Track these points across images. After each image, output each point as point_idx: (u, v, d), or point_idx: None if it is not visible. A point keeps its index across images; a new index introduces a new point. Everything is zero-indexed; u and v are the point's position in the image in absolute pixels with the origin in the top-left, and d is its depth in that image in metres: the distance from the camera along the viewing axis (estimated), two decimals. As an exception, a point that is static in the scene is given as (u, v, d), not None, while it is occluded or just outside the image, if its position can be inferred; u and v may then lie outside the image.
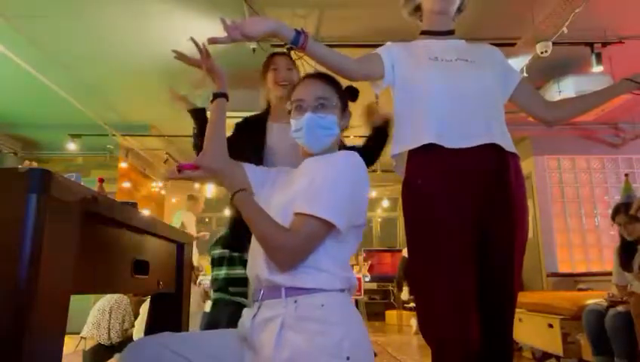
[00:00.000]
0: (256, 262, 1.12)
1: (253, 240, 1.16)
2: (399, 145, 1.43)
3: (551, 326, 3.35)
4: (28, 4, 3.22)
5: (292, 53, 2.23)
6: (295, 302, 1.04)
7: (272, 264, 1.07)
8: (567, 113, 1.53)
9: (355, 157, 1.16)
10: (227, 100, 1.38)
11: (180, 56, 1.39)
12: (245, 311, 1.15)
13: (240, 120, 1.97)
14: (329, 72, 1.31)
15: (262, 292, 1.10)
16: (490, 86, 1.42)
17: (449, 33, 1.51)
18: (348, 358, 0.97)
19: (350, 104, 1.30)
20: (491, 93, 1.42)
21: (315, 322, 1.01)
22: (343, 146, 1.82)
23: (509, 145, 1.37)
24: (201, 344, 1.09)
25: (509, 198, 1.33)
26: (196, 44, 1.35)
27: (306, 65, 2.65)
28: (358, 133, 2.07)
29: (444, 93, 1.37)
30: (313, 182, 1.10)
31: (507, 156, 1.36)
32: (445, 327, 1.24)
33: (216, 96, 1.38)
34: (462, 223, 1.28)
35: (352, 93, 1.31)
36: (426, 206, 1.32)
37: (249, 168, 1.28)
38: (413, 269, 1.41)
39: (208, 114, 1.43)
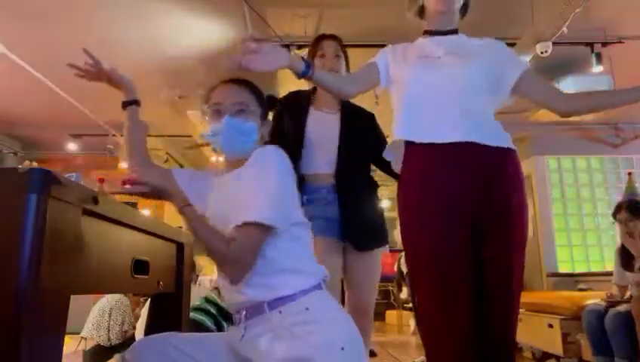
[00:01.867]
0: (232, 290, 1.10)
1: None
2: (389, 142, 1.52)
3: (551, 326, 3.35)
4: (28, 4, 3.22)
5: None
6: (280, 312, 1.04)
7: (248, 288, 1.06)
8: (588, 105, 1.47)
9: (275, 152, 1.13)
10: (138, 106, 1.33)
11: (75, 68, 1.33)
12: (231, 330, 1.15)
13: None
14: (247, 78, 1.28)
15: (244, 313, 1.09)
16: (473, 82, 1.40)
17: (451, 32, 1.50)
18: (343, 348, 1.00)
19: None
20: (473, 89, 1.40)
21: (305, 324, 1.02)
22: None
23: (491, 141, 1.35)
24: (205, 344, 1.09)
25: (500, 196, 1.33)
26: (89, 55, 1.29)
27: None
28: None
29: (420, 90, 1.41)
30: (240, 190, 1.09)
31: (491, 152, 1.34)
32: (436, 315, 1.27)
33: (126, 104, 1.32)
34: (450, 214, 1.30)
35: (270, 102, 1.30)
36: (414, 197, 1.36)
37: (178, 175, 1.25)
38: (407, 260, 1.43)
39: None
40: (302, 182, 1.80)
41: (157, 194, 1.08)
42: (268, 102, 1.28)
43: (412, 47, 1.53)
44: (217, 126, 1.16)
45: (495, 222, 1.32)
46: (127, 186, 1.08)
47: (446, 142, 1.33)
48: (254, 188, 1.07)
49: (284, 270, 1.08)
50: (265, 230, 1.03)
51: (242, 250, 1.02)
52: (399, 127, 1.41)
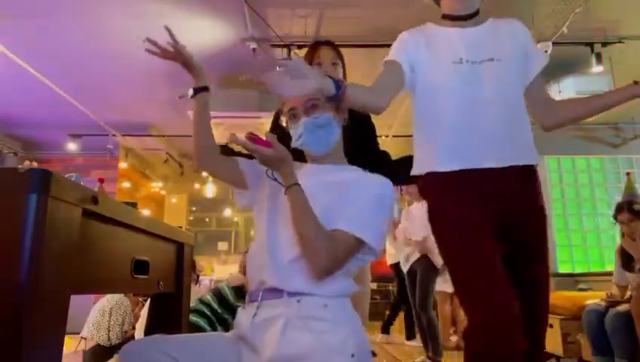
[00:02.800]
0: (263, 268, 1.11)
1: (257, 241, 1.17)
2: (417, 165, 1.38)
3: (551, 326, 3.35)
4: (28, 4, 3.22)
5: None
6: (298, 301, 1.04)
7: (281, 271, 1.07)
8: (565, 117, 1.40)
9: (390, 184, 1.17)
10: (209, 92, 1.33)
11: (152, 46, 1.29)
12: (241, 312, 1.14)
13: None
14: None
15: (261, 293, 1.09)
16: (515, 93, 1.34)
17: (473, 15, 1.39)
18: (353, 355, 0.99)
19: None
20: (515, 101, 1.33)
21: (321, 321, 1.02)
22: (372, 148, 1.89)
23: (533, 157, 1.32)
24: (191, 345, 1.09)
25: (532, 210, 1.31)
26: (171, 35, 1.27)
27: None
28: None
29: (461, 106, 1.30)
30: (355, 200, 1.11)
31: (530, 170, 1.32)
32: (486, 296, 1.17)
33: (197, 91, 1.32)
34: (485, 227, 1.24)
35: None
36: (450, 219, 1.29)
37: (243, 163, 1.28)
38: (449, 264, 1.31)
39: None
40: None
41: (275, 161, 1.08)
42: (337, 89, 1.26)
43: (436, 41, 1.37)
44: (298, 128, 1.20)
45: (525, 234, 1.30)
46: (259, 146, 1.06)
47: (498, 167, 1.27)
48: (371, 210, 1.11)
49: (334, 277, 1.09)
50: (362, 247, 1.09)
51: (341, 253, 1.06)
52: (441, 156, 1.30)
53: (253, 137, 1.07)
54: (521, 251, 1.27)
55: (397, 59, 1.37)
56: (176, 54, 1.29)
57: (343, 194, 1.12)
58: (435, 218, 1.32)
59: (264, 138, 1.07)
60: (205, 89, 1.32)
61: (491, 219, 1.24)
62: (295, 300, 1.04)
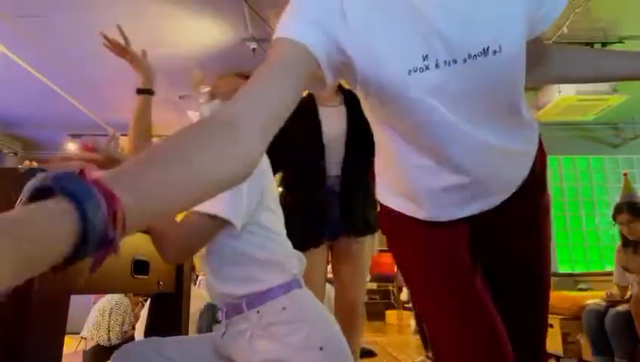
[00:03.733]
0: (212, 286, 1.12)
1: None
2: (383, 195, 0.95)
3: (551, 326, 3.35)
4: (28, 4, 3.22)
5: None
6: (258, 312, 1.05)
7: (226, 282, 1.07)
8: (563, 77, 0.99)
9: None
10: (152, 95, 1.36)
11: (105, 38, 1.37)
12: (215, 328, 1.16)
13: None
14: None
15: (225, 311, 1.11)
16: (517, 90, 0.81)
17: None
18: (321, 348, 1.00)
19: None
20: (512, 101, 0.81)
21: (282, 325, 1.03)
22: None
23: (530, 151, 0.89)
24: (188, 347, 1.10)
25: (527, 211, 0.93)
26: (121, 34, 1.37)
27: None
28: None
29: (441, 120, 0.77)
30: None
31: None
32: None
33: (140, 91, 1.34)
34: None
35: None
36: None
37: None
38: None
39: None
40: (324, 184, 1.81)
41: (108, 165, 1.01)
42: None
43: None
44: (206, 108, 1.22)
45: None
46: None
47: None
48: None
49: (256, 262, 1.07)
50: (215, 221, 1.02)
51: (183, 233, 1.02)
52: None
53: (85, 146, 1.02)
54: (511, 259, 0.94)
55: (299, 38, 0.75)
56: (123, 51, 1.37)
57: None
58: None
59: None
60: (149, 92, 1.36)
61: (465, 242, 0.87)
62: (255, 311, 1.05)
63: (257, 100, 0.57)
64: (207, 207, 1.01)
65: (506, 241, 0.92)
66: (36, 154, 5.99)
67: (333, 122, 1.86)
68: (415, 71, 0.71)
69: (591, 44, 3.59)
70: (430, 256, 0.87)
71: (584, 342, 3.04)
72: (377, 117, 0.85)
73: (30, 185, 0.38)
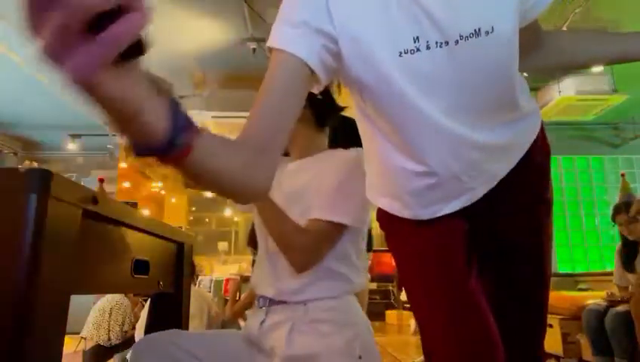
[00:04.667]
0: (264, 276, 1.12)
1: (262, 253, 1.16)
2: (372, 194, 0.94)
3: (551, 326, 3.35)
4: (28, 4, 3.22)
5: None
6: (304, 305, 1.04)
7: (283, 280, 1.07)
8: (558, 63, 0.95)
9: (356, 154, 1.12)
10: None
11: None
12: (250, 316, 1.15)
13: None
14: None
15: (269, 299, 1.10)
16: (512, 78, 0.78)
17: None
18: (360, 357, 1.00)
19: None
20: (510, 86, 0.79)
21: (326, 323, 1.02)
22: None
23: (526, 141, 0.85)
24: (211, 343, 1.10)
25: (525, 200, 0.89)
26: None
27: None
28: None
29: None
30: (323, 184, 1.09)
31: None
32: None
33: None
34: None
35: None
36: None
37: None
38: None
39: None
40: None
41: None
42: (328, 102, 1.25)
43: None
44: None
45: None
46: None
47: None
48: (344, 188, 1.08)
49: (333, 273, 1.07)
50: (342, 230, 1.06)
51: (315, 242, 1.04)
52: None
53: None
54: (508, 251, 0.91)
55: (289, 48, 0.76)
56: None
57: (315, 182, 1.11)
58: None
59: None
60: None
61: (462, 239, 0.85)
62: (302, 304, 1.05)
63: (269, 127, 0.64)
64: (334, 215, 1.04)
65: (506, 238, 0.89)
66: (36, 154, 5.99)
67: None
68: (406, 53, 0.70)
69: (591, 44, 3.59)
70: (421, 255, 0.86)
71: (584, 342, 3.04)
72: (364, 115, 0.84)
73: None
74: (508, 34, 0.72)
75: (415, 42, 0.70)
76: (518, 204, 0.88)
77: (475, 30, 0.69)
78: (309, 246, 1.03)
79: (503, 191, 0.84)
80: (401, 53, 0.70)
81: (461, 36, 0.69)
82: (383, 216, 0.91)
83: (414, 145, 0.77)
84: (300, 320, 1.03)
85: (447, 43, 0.70)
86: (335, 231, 1.05)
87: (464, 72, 0.71)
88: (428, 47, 0.70)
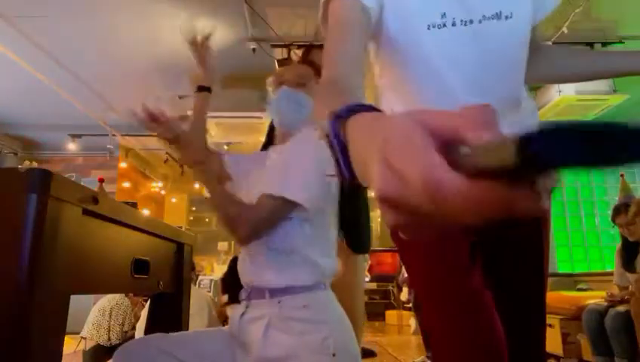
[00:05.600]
0: (245, 267, 1.15)
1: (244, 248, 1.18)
2: None
3: (551, 326, 3.35)
4: (28, 4, 3.22)
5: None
6: (279, 302, 1.06)
7: (259, 267, 1.09)
8: (557, 77, 1.00)
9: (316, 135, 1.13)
10: (210, 93, 1.37)
11: (188, 38, 1.34)
12: (233, 309, 1.18)
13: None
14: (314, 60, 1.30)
15: (249, 292, 1.12)
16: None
17: None
18: (334, 355, 1.00)
19: None
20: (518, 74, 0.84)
21: (299, 322, 1.04)
22: None
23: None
24: (192, 344, 1.10)
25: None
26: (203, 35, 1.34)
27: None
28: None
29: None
30: (279, 162, 1.13)
31: None
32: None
33: (201, 88, 1.36)
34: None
35: None
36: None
37: (227, 158, 1.31)
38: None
39: None
40: None
41: (181, 141, 1.13)
42: None
43: None
44: (275, 95, 1.23)
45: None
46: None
47: None
48: (290, 163, 1.10)
49: (300, 257, 1.09)
50: (292, 206, 1.06)
51: (261, 214, 1.06)
52: None
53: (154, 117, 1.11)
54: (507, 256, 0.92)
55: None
56: (199, 50, 1.33)
57: (278, 161, 1.16)
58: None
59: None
60: (208, 89, 1.36)
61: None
62: (276, 301, 1.06)
63: (352, 62, 0.62)
64: (282, 190, 1.05)
65: (506, 237, 0.89)
66: (36, 154, 5.99)
67: None
68: (433, 27, 0.73)
69: (591, 44, 3.58)
70: (428, 254, 0.87)
71: (584, 342, 3.04)
72: (384, 84, 0.86)
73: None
74: (524, 23, 0.76)
75: (442, 17, 0.73)
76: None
77: (496, 13, 0.73)
78: (251, 219, 1.05)
79: None
80: (429, 26, 0.73)
81: (484, 16, 0.73)
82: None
83: None
84: (276, 317, 1.05)
85: (471, 22, 0.73)
86: (281, 205, 1.06)
87: (484, 52, 0.75)
88: (454, 24, 0.73)
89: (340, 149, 0.37)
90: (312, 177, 1.09)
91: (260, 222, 1.06)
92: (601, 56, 0.94)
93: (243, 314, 1.11)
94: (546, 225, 0.95)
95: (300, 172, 1.09)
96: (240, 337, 1.09)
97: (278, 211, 1.07)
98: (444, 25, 0.73)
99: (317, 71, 1.27)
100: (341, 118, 0.36)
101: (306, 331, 1.02)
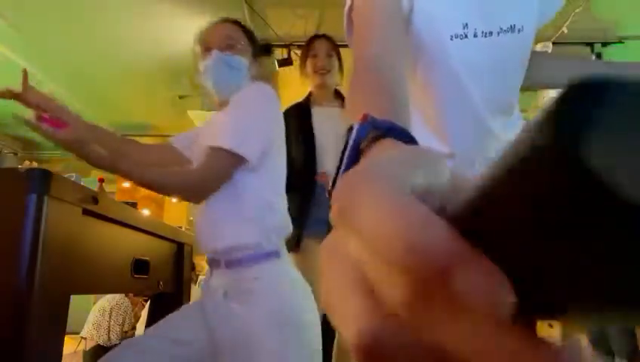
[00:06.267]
0: (202, 238, 1.12)
1: (199, 215, 1.15)
2: None
3: (551, 326, 3.35)
4: (28, 4, 3.22)
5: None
6: (232, 274, 1.06)
7: (209, 231, 1.08)
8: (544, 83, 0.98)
9: (260, 87, 1.12)
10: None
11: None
12: (206, 272, 1.19)
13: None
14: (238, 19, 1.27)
15: (211, 258, 1.12)
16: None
17: None
18: (287, 325, 1.00)
19: None
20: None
21: (251, 294, 1.04)
22: None
23: None
24: (173, 319, 1.10)
25: None
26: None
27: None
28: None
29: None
30: (227, 115, 1.09)
31: None
32: None
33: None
34: None
35: (265, 49, 1.30)
36: None
37: (177, 141, 1.26)
38: None
39: None
40: (314, 183, 1.80)
41: (75, 144, 0.93)
42: (262, 48, 1.28)
43: None
44: (207, 62, 1.16)
45: None
46: (48, 126, 0.97)
47: None
48: (229, 116, 1.07)
49: (250, 214, 1.06)
50: (232, 158, 1.02)
51: (205, 174, 1.02)
52: None
53: (46, 119, 1.00)
54: None
55: None
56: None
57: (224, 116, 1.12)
58: None
59: (58, 120, 1.01)
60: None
61: None
62: (230, 272, 1.06)
63: (388, 46, 0.59)
64: (226, 142, 1.01)
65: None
66: (36, 154, 5.99)
67: (326, 121, 1.85)
68: (456, 37, 0.75)
69: (591, 44, 3.59)
70: None
71: (584, 342, 3.05)
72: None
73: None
74: (531, 35, 0.79)
75: (464, 28, 0.75)
76: None
77: (511, 26, 0.76)
78: (196, 179, 1.02)
79: None
80: (452, 37, 0.75)
81: (501, 29, 0.76)
82: None
83: (448, 126, 0.80)
84: (230, 287, 1.05)
85: (490, 34, 0.76)
86: (220, 156, 1.02)
87: (498, 62, 0.77)
88: (475, 35, 0.75)
89: (349, 162, 0.31)
90: (250, 128, 1.05)
91: (209, 181, 1.03)
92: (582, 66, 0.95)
93: (208, 280, 1.13)
94: None
95: (240, 123, 1.05)
96: (205, 305, 1.10)
97: (222, 165, 1.03)
98: (466, 35, 0.75)
99: (247, 31, 1.26)
100: (362, 138, 0.31)
101: (258, 303, 1.02)
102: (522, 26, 0.77)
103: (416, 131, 0.78)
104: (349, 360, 1.80)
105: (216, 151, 1.02)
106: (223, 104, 1.17)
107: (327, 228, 1.77)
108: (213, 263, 1.11)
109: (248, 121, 1.07)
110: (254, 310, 1.02)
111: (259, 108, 1.09)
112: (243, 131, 1.04)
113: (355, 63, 0.57)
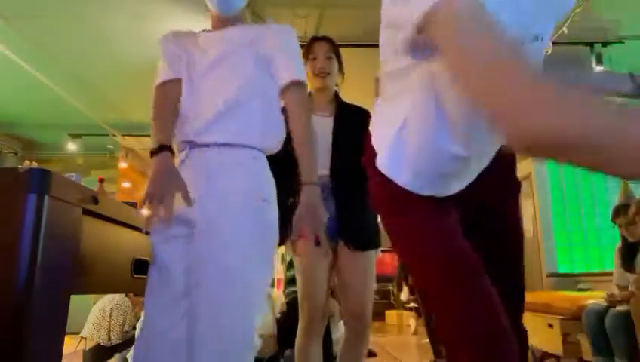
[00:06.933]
0: (190, 121, 1.24)
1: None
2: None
3: (551, 326, 3.35)
4: (28, 4, 3.22)
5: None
6: (217, 151, 1.18)
7: (209, 125, 1.20)
8: None
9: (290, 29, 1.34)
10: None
11: None
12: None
13: None
14: None
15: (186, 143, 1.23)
16: None
17: None
18: (264, 200, 1.16)
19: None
20: None
21: (234, 167, 1.16)
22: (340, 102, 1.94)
23: None
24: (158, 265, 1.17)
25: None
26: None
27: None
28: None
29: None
30: (282, 50, 1.28)
31: None
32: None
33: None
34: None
35: None
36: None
37: (166, 46, 1.36)
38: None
39: None
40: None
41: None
42: None
43: None
44: None
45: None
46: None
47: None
48: (296, 54, 1.31)
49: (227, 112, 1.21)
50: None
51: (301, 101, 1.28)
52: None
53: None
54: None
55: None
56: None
57: (274, 45, 1.29)
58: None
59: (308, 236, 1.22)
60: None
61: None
62: (210, 147, 1.18)
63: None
64: (299, 76, 1.31)
65: (489, 209, 1.03)
66: (36, 154, 5.99)
67: (316, 129, 1.84)
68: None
69: (591, 44, 3.59)
70: (429, 222, 0.95)
71: (584, 342, 3.04)
72: (434, 93, 0.88)
73: None
74: (546, 44, 0.88)
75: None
76: (497, 183, 1.04)
77: (535, 35, 0.84)
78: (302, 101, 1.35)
79: (484, 174, 0.99)
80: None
81: (529, 38, 0.83)
82: (385, 187, 0.99)
83: (473, 131, 0.86)
84: (213, 160, 1.16)
85: (522, 43, 0.82)
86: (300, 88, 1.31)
87: None
88: (522, 44, 0.82)
89: None
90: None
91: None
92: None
93: (182, 161, 1.23)
94: (519, 188, 1.11)
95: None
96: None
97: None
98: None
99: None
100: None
101: (239, 175, 1.15)
102: (542, 37, 0.85)
103: (440, 143, 0.87)
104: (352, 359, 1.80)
105: (297, 84, 1.30)
106: (223, 22, 1.34)
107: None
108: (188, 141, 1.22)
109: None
110: (238, 181, 1.15)
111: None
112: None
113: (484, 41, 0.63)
